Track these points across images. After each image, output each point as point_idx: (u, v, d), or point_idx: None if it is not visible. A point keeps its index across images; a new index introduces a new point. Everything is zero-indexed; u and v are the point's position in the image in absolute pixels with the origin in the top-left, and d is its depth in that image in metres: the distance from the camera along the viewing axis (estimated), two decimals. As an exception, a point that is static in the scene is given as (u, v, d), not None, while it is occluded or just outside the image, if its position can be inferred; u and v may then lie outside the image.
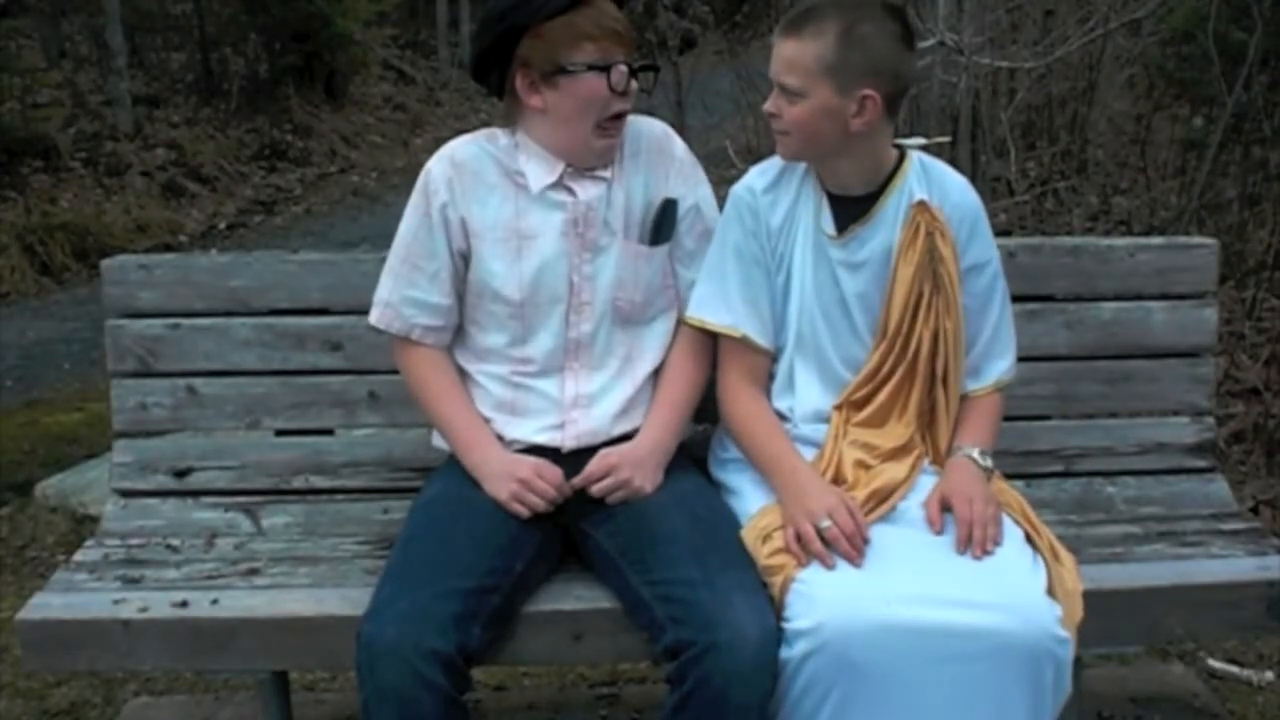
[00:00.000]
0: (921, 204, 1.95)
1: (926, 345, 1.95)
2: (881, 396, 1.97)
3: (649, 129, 2.08)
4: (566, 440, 2.00)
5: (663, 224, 2.04)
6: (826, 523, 1.78)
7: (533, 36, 1.91)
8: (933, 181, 1.99)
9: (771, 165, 2.03)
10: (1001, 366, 2.06)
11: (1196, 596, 2.00)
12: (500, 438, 2.02)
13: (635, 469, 1.96)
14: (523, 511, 1.92)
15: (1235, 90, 4.27)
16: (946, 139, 2.33)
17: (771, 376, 2.06)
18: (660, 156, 2.06)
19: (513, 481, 1.93)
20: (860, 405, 1.98)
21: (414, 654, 1.68)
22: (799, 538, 1.79)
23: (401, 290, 2.04)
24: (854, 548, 1.77)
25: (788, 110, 1.88)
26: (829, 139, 1.89)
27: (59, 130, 8.14)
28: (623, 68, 1.92)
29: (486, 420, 2.03)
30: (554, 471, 1.95)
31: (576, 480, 1.96)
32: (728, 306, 2.00)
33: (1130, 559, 2.09)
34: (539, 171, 1.99)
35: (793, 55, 1.86)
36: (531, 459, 1.98)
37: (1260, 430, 3.66)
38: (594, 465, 1.96)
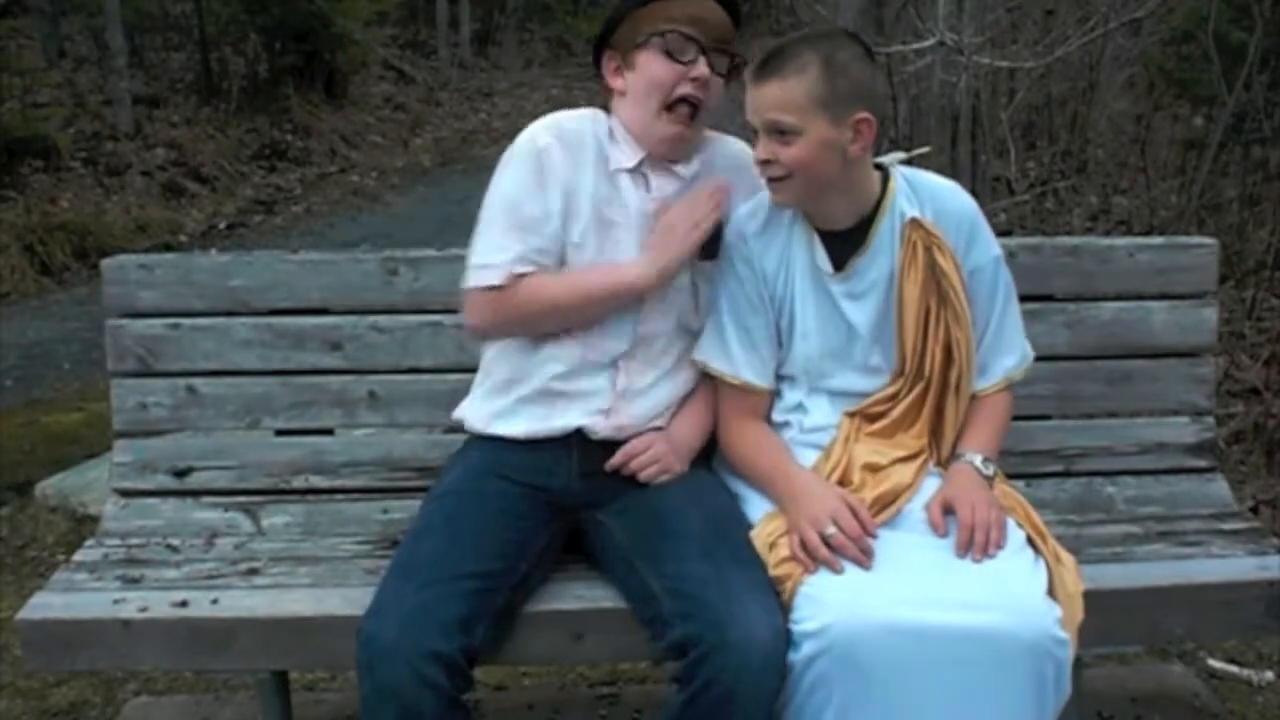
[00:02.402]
0: (915, 221, 1.94)
1: (940, 359, 1.95)
2: (895, 413, 1.97)
3: (732, 147, 2.09)
4: (605, 428, 2.00)
5: (713, 241, 2.02)
6: (831, 529, 1.78)
7: (630, 20, 1.98)
8: (922, 195, 1.97)
9: (759, 208, 2.00)
10: (1009, 362, 2.04)
11: (1196, 596, 2.00)
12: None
13: (670, 446, 2.00)
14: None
15: (1235, 90, 4.27)
16: (926, 149, 2.32)
17: (779, 394, 2.05)
18: (741, 175, 2.04)
19: None
20: (872, 419, 1.98)
21: (416, 655, 1.68)
22: (804, 545, 1.79)
23: (512, 250, 1.95)
24: (862, 550, 1.76)
25: (784, 152, 1.85)
26: (830, 172, 1.86)
27: (59, 130, 8.14)
28: (694, 51, 1.94)
29: (539, 395, 2.00)
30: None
31: (615, 459, 1.98)
32: (725, 354, 2.00)
33: (1130, 559, 2.09)
34: (620, 154, 2.00)
35: (780, 95, 1.83)
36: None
37: (1260, 430, 3.66)
38: (632, 444, 1.98)
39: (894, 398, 1.97)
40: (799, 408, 2.02)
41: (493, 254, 1.96)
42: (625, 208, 1.99)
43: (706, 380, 2.07)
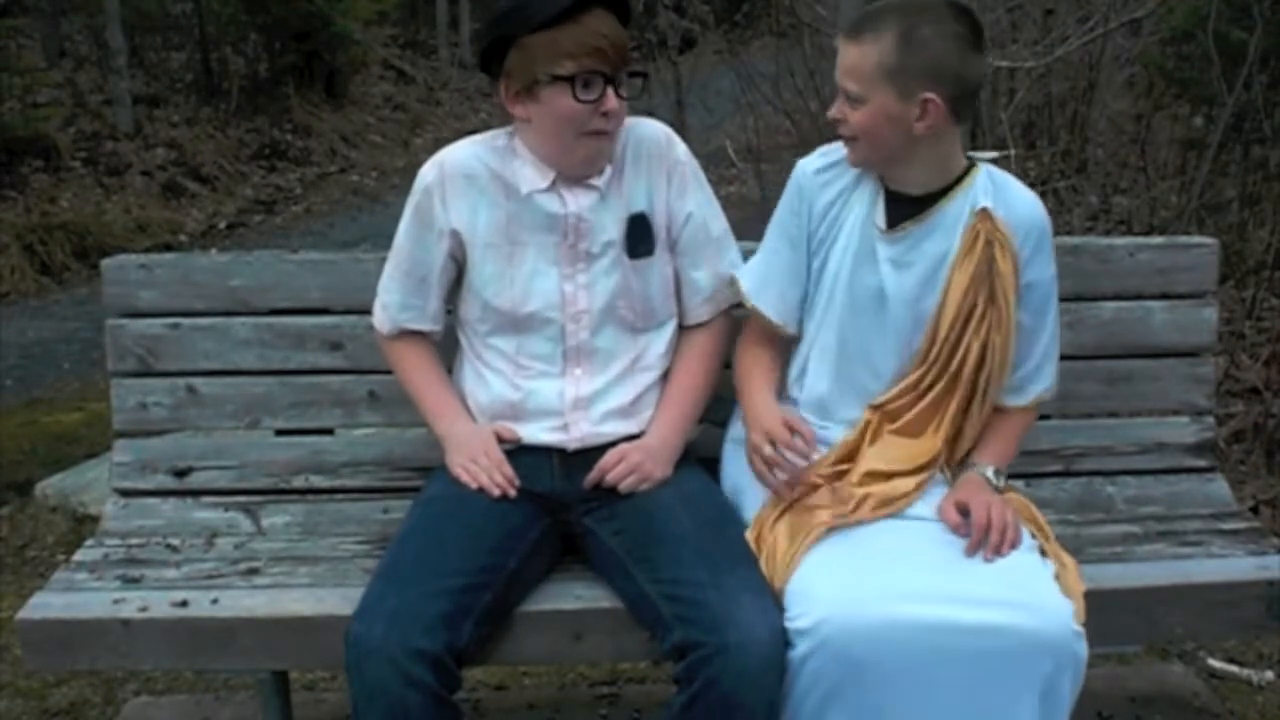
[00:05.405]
0: (985, 211, 1.90)
1: (973, 357, 1.91)
2: (921, 406, 1.94)
3: (651, 133, 2.05)
4: (571, 441, 2.01)
5: (636, 238, 2.02)
6: (769, 450, 1.87)
7: (518, 48, 1.88)
8: (1000, 194, 1.93)
9: (836, 149, 2.00)
10: (1044, 385, 2.03)
11: (1196, 596, 2.00)
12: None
13: (646, 455, 1.98)
14: (470, 482, 1.96)
15: (1235, 90, 4.27)
16: (1010, 152, 2.31)
17: (788, 362, 2.07)
18: (661, 162, 2.03)
19: (465, 454, 2.00)
20: (896, 415, 1.95)
21: (401, 653, 1.68)
22: (761, 459, 1.89)
23: (395, 294, 2.09)
24: (797, 452, 1.87)
25: (851, 115, 1.87)
26: (893, 143, 1.86)
27: (59, 130, 8.14)
28: (601, 86, 1.87)
29: (499, 415, 2.04)
30: (497, 454, 1.99)
31: (591, 476, 1.97)
32: (759, 278, 2.04)
33: (1130, 559, 2.09)
34: (531, 176, 1.98)
35: (853, 61, 1.85)
36: (490, 434, 2.01)
37: (1260, 430, 3.66)
38: (607, 458, 1.98)
39: (916, 387, 1.94)
40: (803, 377, 2.03)
41: (384, 292, 2.11)
42: (531, 228, 1.99)
43: (681, 378, 2.07)
